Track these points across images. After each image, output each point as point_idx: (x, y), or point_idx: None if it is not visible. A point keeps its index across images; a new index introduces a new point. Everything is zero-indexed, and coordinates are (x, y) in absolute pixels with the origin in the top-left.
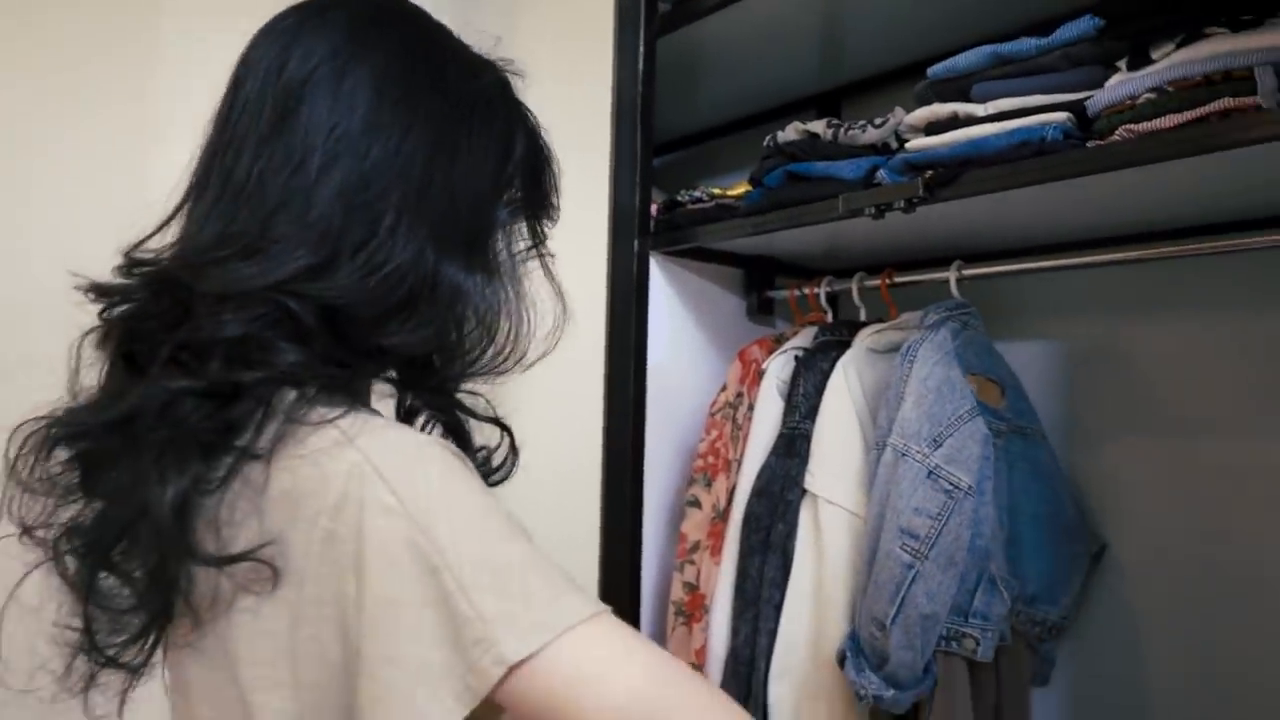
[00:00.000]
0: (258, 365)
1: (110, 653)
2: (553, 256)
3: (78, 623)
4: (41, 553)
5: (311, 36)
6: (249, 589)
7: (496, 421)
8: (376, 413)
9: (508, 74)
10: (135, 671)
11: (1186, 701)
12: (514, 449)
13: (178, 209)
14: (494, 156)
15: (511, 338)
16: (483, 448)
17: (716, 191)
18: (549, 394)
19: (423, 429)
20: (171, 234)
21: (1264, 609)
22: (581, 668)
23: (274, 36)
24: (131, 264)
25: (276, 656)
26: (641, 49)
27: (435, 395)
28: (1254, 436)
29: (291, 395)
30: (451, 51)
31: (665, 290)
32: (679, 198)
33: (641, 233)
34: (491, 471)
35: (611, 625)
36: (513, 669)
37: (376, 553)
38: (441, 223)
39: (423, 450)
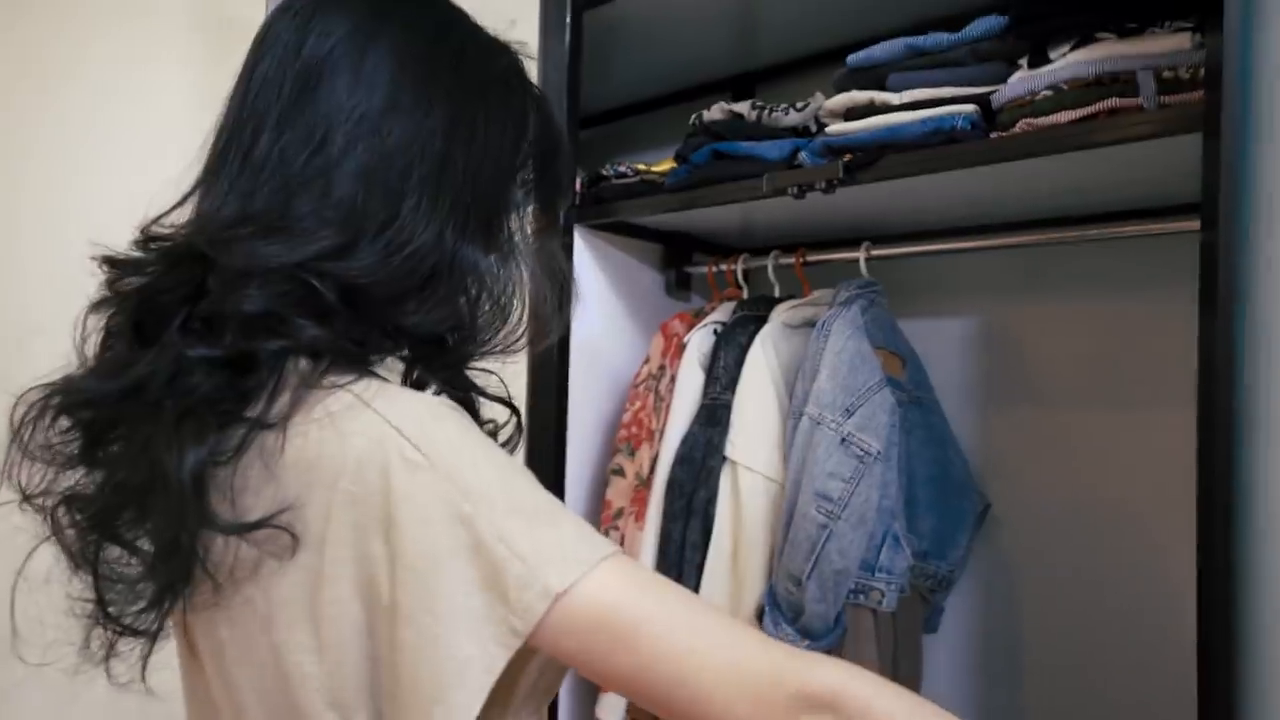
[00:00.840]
0: (277, 336)
1: (126, 621)
2: (566, 238)
3: (90, 594)
4: (42, 524)
5: (330, 15)
6: (269, 554)
7: (505, 402)
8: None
9: (521, 57)
10: (154, 637)
11: (1059, 644)
12: (519, 428)
13: (195, 187)
14: (510, 137)
15: (524, 318)
16: (490, 420)
17: (641, 167)
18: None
19: None
20: (186, 213)
21: (1128, 559)
22: (616, 593)
23: (290, 15)
24: (148, 239)
25: (300, 620)
26: (568, 21)
27: (448, 373)
28: (1120, 406)
29: (305, 364)
30: (469, 33)
31: (589, 263)
32: (604, 171)
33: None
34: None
35: (630, 560)
36: (557, 599)
37: (406, 508)
38: (460, 203)
39: (437, 409)
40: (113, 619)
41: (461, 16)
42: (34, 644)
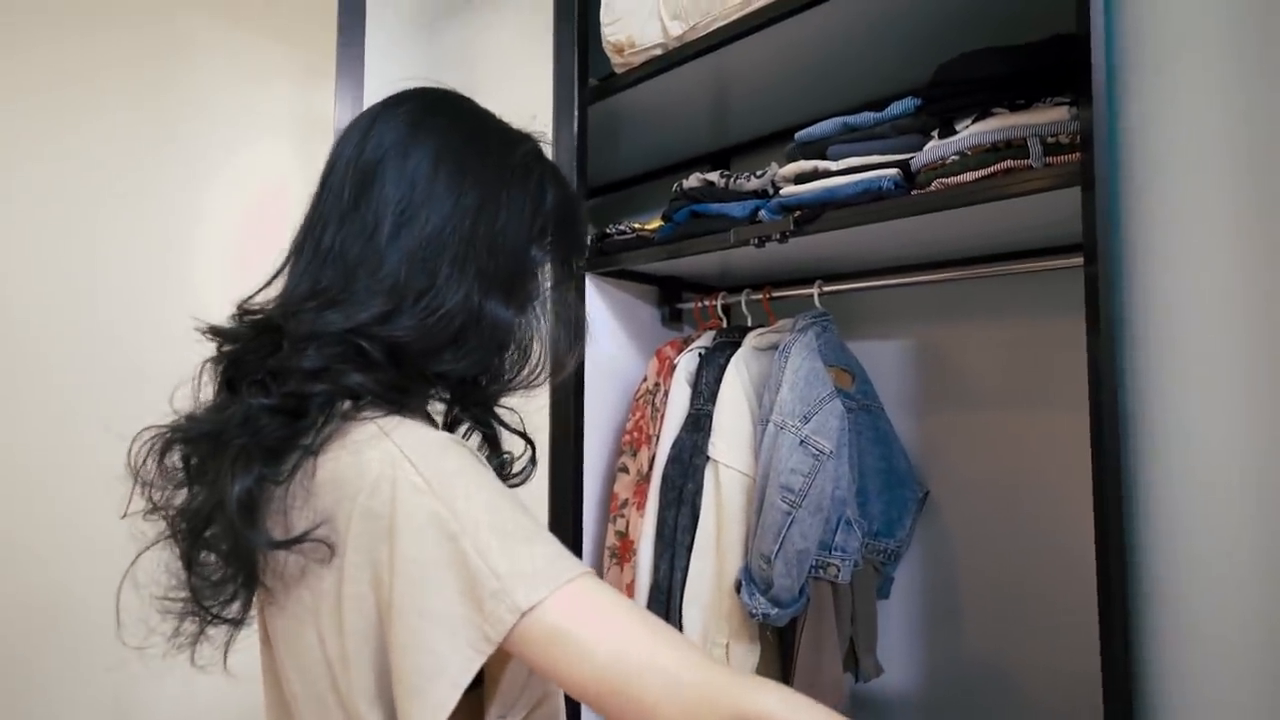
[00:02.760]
0: (325, 383)
1: (214, 611)
2: (580, 284)
3: (183, 592)
4: (156, 533)
5: (381, 128)
6: (313, 561)
7: (523, 435)
8: (423, 420)
9: (541, 143)
10: (236, 625)
11: (988, 606)
12: (533, 460)
13: (278, 271)
14: (529, 209)
15: (543, 358)
16: (507, 453)
17: (636, 226)
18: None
19: (464, 437)
20: (274, 291)
21: (1039, 530)
22: (577, 612)
23: (353, 130)
24: (242, 313)
25: (332, 610)
26: (576, 114)
27: (479, 409)
28: (1030, 408)
29: (347, 405)
30: (494, 130)
31: (598, 303)
32: (608, 230)
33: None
34: (512, 475)
35: (598, 581)
36: (524, 615)
37: (406, 523)
38: (485, 270)
39: (445, 445)
40: (204, 609)
41: (488, 116)
42: (135, 632)
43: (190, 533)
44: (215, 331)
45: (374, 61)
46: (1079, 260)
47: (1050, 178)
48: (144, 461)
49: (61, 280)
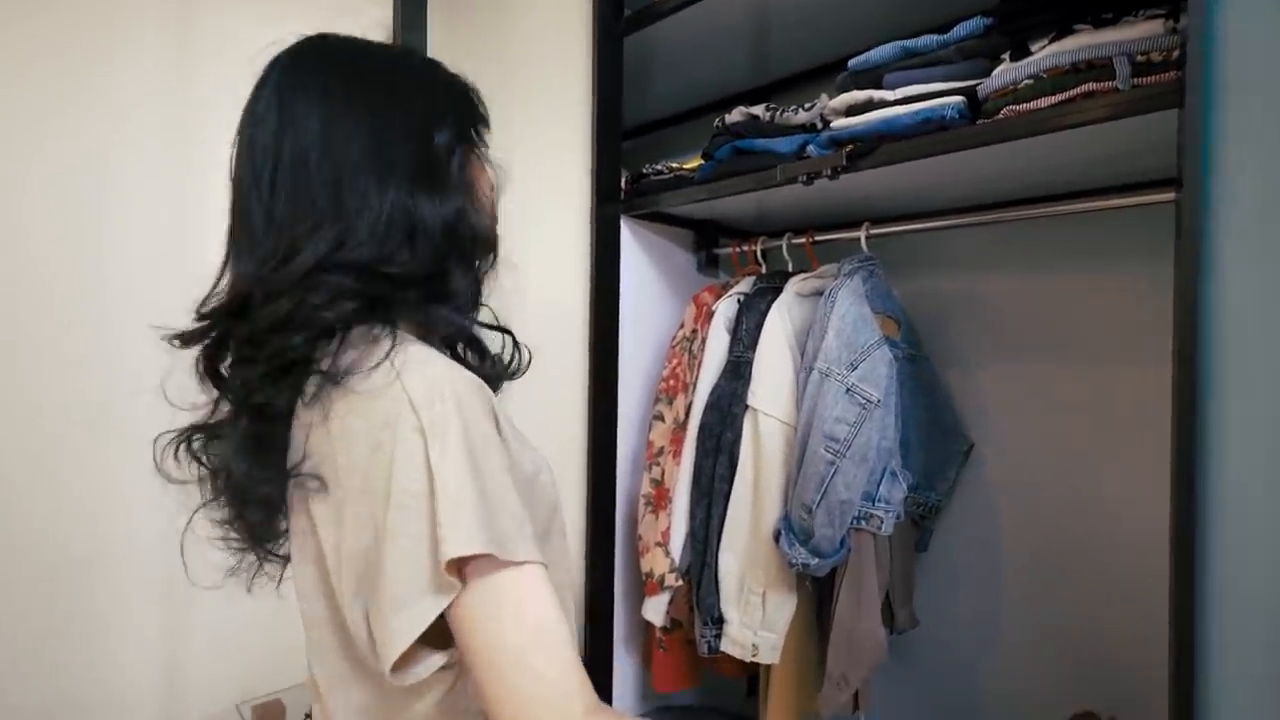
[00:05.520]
0: (305, 328)
1: (269, 547)
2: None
3: (241, 534)
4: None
5: (268, 99)
6: (311, 490)
7: (501, 329)
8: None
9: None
10: (285, 560)
11: (1029, 561)
12: (517, 346)
13: (225, 264)
14: (420, 103)
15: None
16: (497, 355)
17: (674, 165)
18: (541, 333)
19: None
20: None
21: (1088, 490)
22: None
23: (248, 115)
24: (202, 314)
25: (330, 528)
26: (610, 46)
27: (460, 316)
28: (1079, 360)
29: (334, 347)
30: (368, 52)
31: (633, 247)
32: (644, 170)
33: (613, 200)
34: (506, 369)
35: (527, 569)
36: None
37: (404, 459)
38: (401, 171)
39: (448, 385)
40: (263, 549)
41: (359, 46)
42: (202, 576)
43: (231, 490)
44: (184, 338)
45: None
46: (1168, 195)
47: (1137, 101)
48: (171, 455)
49: (76, 241)
